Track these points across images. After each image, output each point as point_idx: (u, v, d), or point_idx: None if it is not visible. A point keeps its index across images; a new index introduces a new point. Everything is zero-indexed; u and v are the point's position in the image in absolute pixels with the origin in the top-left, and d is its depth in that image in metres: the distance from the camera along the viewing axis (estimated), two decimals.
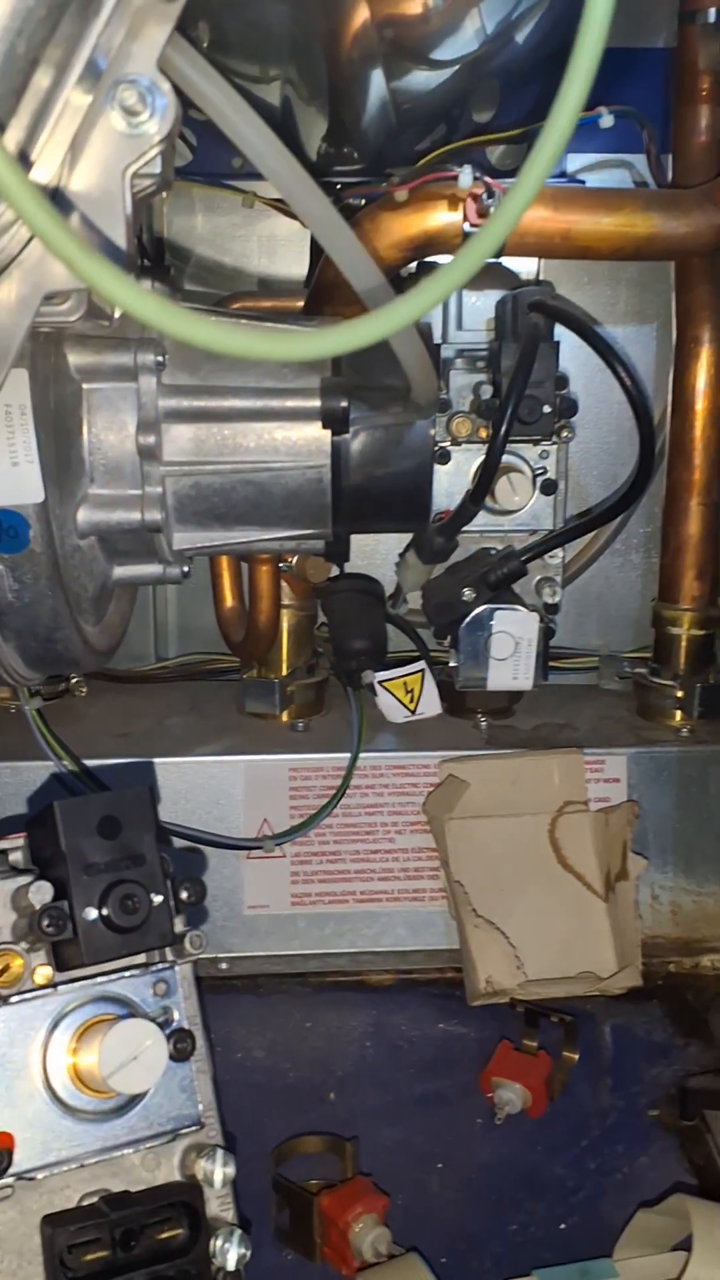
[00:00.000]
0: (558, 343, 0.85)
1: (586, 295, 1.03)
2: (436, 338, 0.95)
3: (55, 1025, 0.51)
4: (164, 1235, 0.49)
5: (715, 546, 0.97)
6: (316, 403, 0.71)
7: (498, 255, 0.83)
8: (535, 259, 0.96)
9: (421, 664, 0.91)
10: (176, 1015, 0.53)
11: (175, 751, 0.91)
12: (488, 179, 0.78)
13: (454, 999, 0.87)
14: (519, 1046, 0.79)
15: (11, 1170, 0.49)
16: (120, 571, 0.76)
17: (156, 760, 0.89)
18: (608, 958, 0.88)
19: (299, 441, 0.72)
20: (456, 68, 0.76)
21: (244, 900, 0.89)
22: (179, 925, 0.53)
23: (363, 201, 0.84)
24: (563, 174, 1.00)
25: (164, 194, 0.64)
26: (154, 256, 0.96)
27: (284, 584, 0.91)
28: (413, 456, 0.74)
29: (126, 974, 0.53)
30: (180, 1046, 0.51)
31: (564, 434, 0.87)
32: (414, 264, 0.86)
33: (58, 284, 0.45)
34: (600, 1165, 0.73)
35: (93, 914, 0.50)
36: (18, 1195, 0.49)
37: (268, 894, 0.91)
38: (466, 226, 0.79)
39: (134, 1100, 0.52)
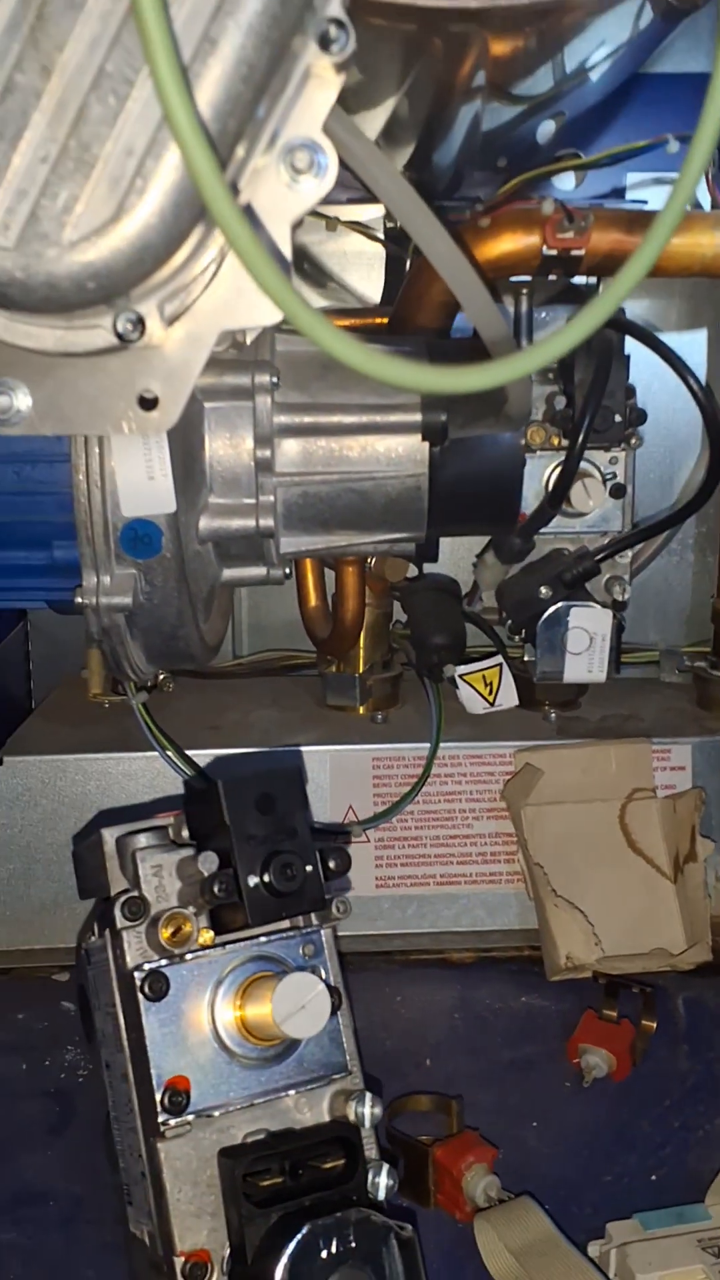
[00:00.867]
0: (628, 356, 0.92)
1: (642, 306, 1.09)
2: None
3: (219, 982, 0.58)
4: (326, 1166, 0.55)
5: None
6: (417, 417, 0.78)
7: (573, 274, 0.89)
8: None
9: (499, 658, 0.97)
10: (324, 973, 0.59)
11: (265, 742, 0.97)
12: (566, 205, 0.84)
13: (532, 975, 0.94)
14: (601, 1016, 0.85)
15: (189, 1109, 0.55)
16: (229, 573, 0.83)
17: (247, 750, 0.96)
18: (678, 935, 0.94)
19: (400, 452, 0.78)
20: (532, 103, 0.83)
21: None
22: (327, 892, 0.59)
23: None
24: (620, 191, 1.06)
25: None
26: None
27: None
28: (504, 465, 0.81)
29: (279, 936, 0.59)
30: (330, 1001, 0.57)
31: (633, 441, 0.94)
32: None
33: (235, 324, 0.52)
34: (684, 1123, 0.79)
35: (254, 880, 0.57)
36: (193, 1133, 0.56)
37: (353, 877, 0.97)
38: (545, 250, 0.85)
39: (290, 1049, 0.58)
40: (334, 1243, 0.51)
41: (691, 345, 1.10)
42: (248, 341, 0.61)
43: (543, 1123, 0.79)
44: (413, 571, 0.98)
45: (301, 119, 0.49)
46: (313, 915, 0.60)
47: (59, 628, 1.18)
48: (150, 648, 0.77)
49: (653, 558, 1.12)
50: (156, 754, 0.94)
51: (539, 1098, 0.81)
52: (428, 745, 0.96)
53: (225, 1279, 0.55)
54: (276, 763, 0.66)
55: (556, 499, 0.89)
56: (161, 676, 1.09)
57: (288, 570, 0.84)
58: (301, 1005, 0.54)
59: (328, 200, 1.00)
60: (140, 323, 0.49)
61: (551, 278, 0.88)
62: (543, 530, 0.93)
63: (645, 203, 1.02)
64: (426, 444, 0.78)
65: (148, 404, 0.53)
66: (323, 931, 0.60)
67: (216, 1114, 0.56)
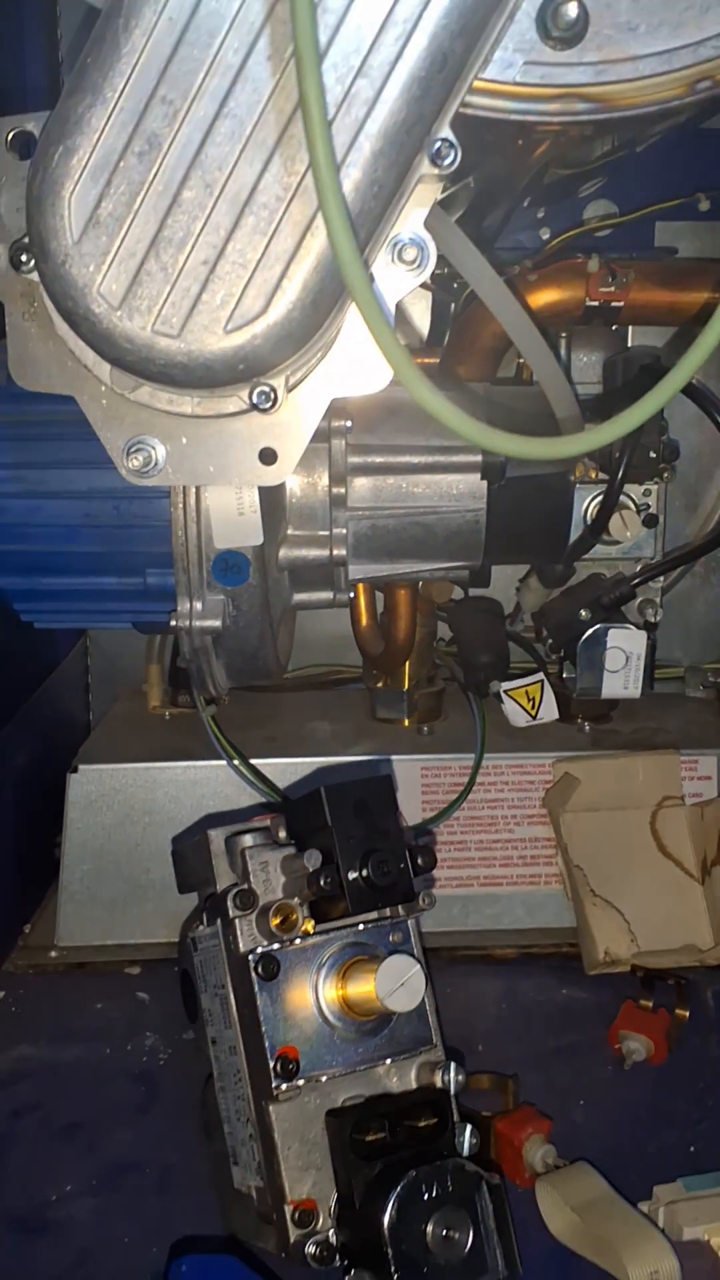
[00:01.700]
0: None
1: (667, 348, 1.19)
2: None
3: (320, 965, 0.67)
4: (420, 1125, 0.64)
5: None
6: (478, 457, 0.87)
7: (612, 323, 0.98)
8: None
9: (541, 674, 1.06)
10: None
11: (321, 752, 1.06)
12: (609, 263, 0.93)
13: (571, 969, 1.02)
14: (639, 1005, 0.94)
15: (299, 1075, 0.64)
16: (300, 597, 0.92)
17: (303, 760, 1.05)
18: (705, 933, 1.03)
19: (461, 489, 0.87)
20: (583, 169, 0.92)
21: None
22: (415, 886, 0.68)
23: None
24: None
25: None
26: None
27: None
28: (555, 500, 0.90)
29: (372, 925, 0.68)
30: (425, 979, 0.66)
31: (665, 475, 1.03)
32: None
33: (344, 392, 0.61)
34: (717, 1102, 0.88)
35: (354, 875, 0.66)
36: (300, 1096, 0.65)
37: None
38: (588, 301, 0.95)
39: (383, 1024, 0.67)
40: (434, 1187, 0.60)
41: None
42: None
43: (589, 1101, 0.87)
44: (458, 594, 1.07)
45: (410, 217, 0.58)
46: (400, 906, 0.69)
47: (116, 645, 1.27)
48: (232, 666, 0.86)
49: (677, 580, 1.22)
50: (220, 763, 1.03)
51: (584, 1079, 0.89)
52: (472, 756, 1.05)
53: (331, 1223, 0.64)
54: (371, 772, 0.75)
55: (597, 529, 0.98)
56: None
57: (351, 594, 0.93)
58: (401, 983, 0.63)
59: None
60: (272, 394, 0.58)
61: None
62: (583, 557, 1.02)
63: (676, 250, 1.11)
64: (485, 482, 0.87)
65: (267, 459, 0.62)
66: (410, 921, 0.69)
67: (323, 1079, 0.65)
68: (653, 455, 1.00)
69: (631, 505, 1.03)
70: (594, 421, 0.81)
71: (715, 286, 0.97)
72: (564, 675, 1.06)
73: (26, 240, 0.56)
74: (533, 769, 1.07)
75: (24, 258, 0.57)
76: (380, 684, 1.13)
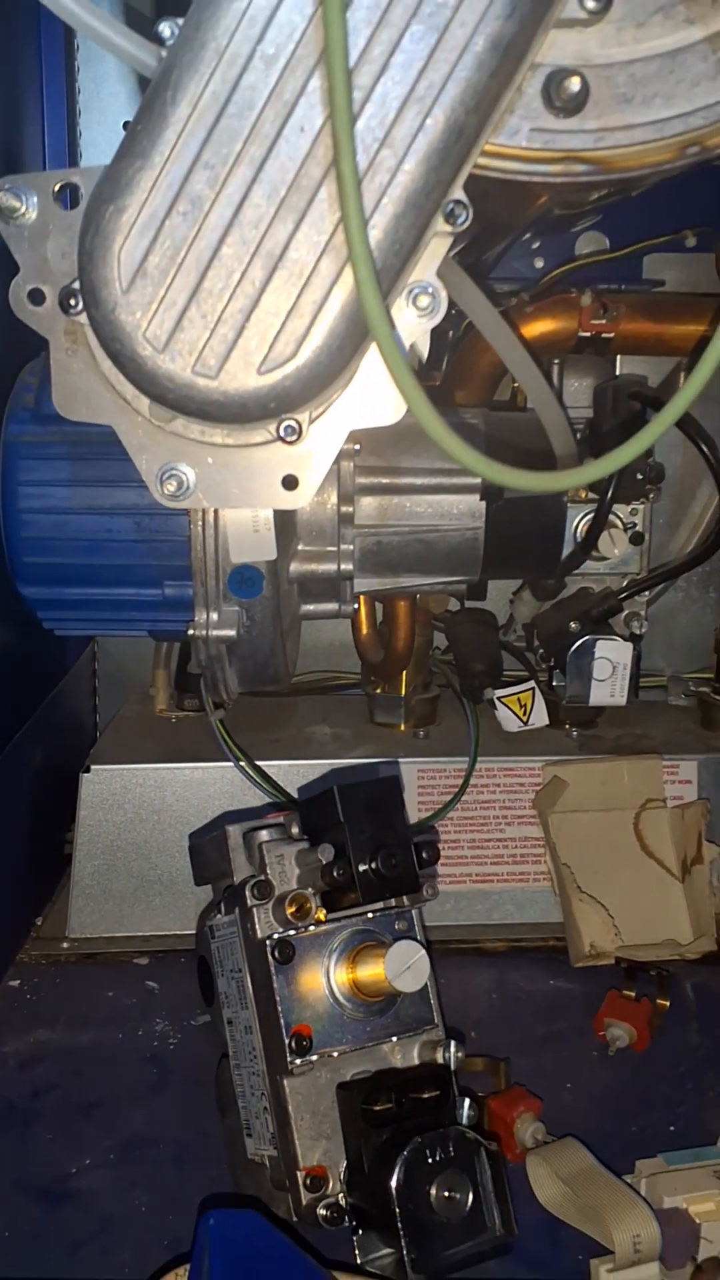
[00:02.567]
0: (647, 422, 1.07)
1: (656, 377, 1.25)
2: None
3: (332, 951, 0.73)
4: (424, 1096, 0.70)
5: None
6: (477, 480, 0.93)
7: (602, 353, 1.05)
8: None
9: (532, 682, 1.12)
10: None
11: (323, 755, 1.12)
12: (601, 297, 1.00)
13: (558, 962, 1.08)
14: (623, 995, 1.00)
15: (312, 1051, 0.70)
16: (308, 607, 0.98)
17: (305, 762, 1.11)
18: (685, 928, 1.10)
19: (461, 509, 0.94)
20: (580, 209, 0.99)
21: None
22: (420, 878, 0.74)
23: None
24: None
25: None
26: None
27: None
28: (549, 521, 0.96)
29: (379, 914, 0.74)
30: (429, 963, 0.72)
31: (651, 495, 1.09)
32: None
33: (361, 424, 0.67)
34: (696, 1086, 0.94)
35: (365, 867, 0.72)
36: (313, 1072, 0.71)
37: None
38: (581, 332, 1.01)
39: (389, 1005, 0.73)
40: (437, 1152, 0.66)
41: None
42: None
43: (575, 1084, 0.93)
44: (454, 605, 1.14)
45: (424, 267, 0.65)
46: (406, 896, 0.75)
47: (123, 651, 1.32)
48: (244, 673, 0.92)
49: (661, 594, 1.29)
50: (226, 764, 1.09)
51: (571, 1064, 0.96)
52: (466, 759, 1.12)
53: (341, 1187, 0.69)
54: (378, 774, 0.81)
55: (587, 547, 1.05)
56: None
57: (355, 605, 0.99)
58: (408, 965, 0.69)
59: None
60: (297, 427, 0.64)
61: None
62: (573, 572, 1.08)
63: (663, 282, 1.18)
64: (484, 502, 0.93)
65: (290, 485, 0.68)
66: (414, 911, 0.75)
67: (334, 1055, 0.71)
68: (639, 477, 1.07)
69: (619, 524, 1.09)
70: (586, 454, 0.88)
71: (698, 320, 1.03)
72: (554, 683, 1.13)
73: (76, 286, 0.62)
74: (523, 772, 1.13)
75: (73, 301, 0.62)
76: (379, 690, 1.19)
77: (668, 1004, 1.01)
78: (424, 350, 0.71)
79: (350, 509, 0.91)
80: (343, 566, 0.92)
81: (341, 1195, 0.70)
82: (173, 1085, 0.92)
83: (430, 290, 0.64)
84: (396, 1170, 0.65)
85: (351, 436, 0.90)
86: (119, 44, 0.63)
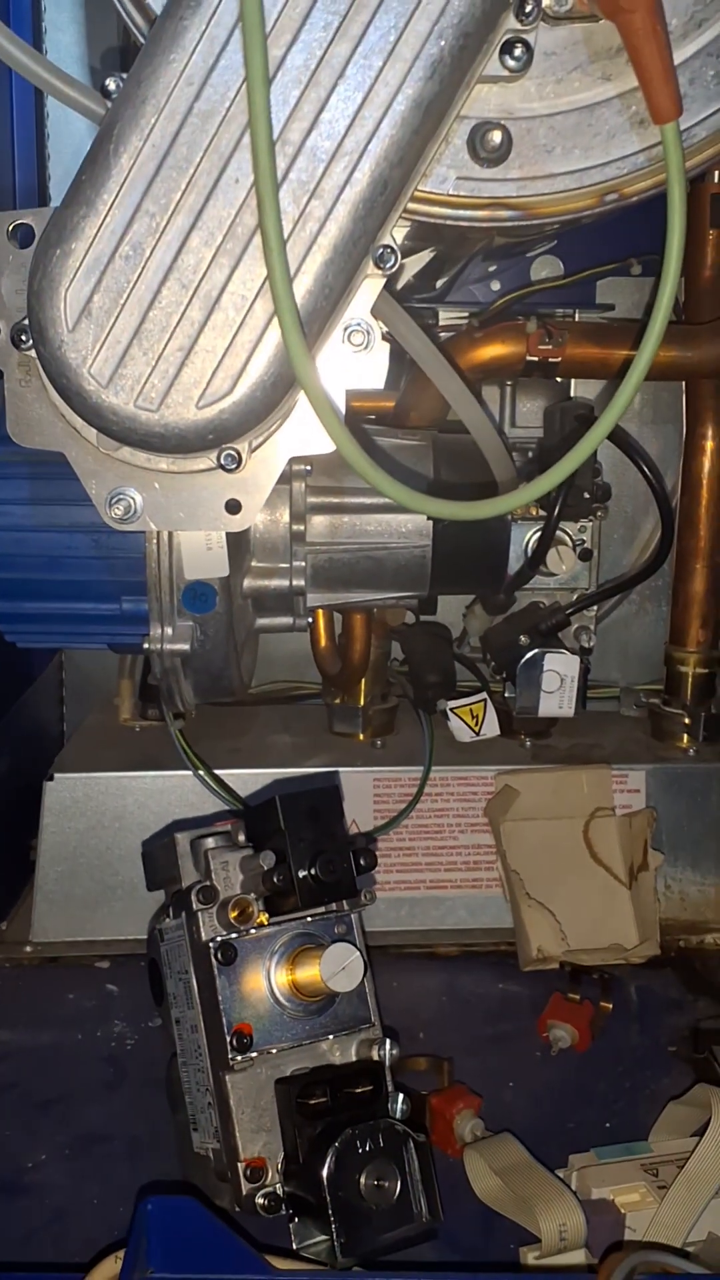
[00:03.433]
0: None
1: (606, 396, 1.30)
2: None
3: (273, 953, 0.77)
4: (357, 1091, 0.74)
5: (717, 600, 1.24)
6: None
7: (550, 376, 1.10)
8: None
9: (484, 694, 1.17)
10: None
11: (282, 764, 1.16)
12: (547, 324, 1.04)
13: (508, 966, 1.13)
14: (566, 998, 1.05)
15: (252, 1049, 0.74)
16: (262, 621, 1.02)
17: (264, 771, 1.15)
18: (631, 933, 1.14)
19: (409, 527, 0.98)
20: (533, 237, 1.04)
21: None
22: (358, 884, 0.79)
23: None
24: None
25: None
26: None
27: None
28: (493, 538, 1.01)
29: (319, 917, 0.79)
30: (364, 965, 0.76)
31: (599, 513, 1.14)
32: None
33: (300, 452, 0.71)
34: (633, 1085, 0.98)
35: (304, 873, 0.76)
36: (253, 1068, 0.75)
37: None
38: (528, 357, 1.06)
39: (328, 1005, 0.78)
40: (367, 1143, 0.70)
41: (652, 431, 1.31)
42: None
43: (518, 1083, 0.98)
44: (410, 618, 1.18)
45: (357, 306, 0.69)
46: (345, 901, 0.79)
47: (89, 661, 1.37)
48: (199, 685, 0.97)
49: (614, 608, 1.34)
50: (186, 773, 1.13)
51: (514, 1064, 1.00)
52: (421, 769, 1.16)
53: (279, 1178, 0.74)
54: (322, 783, 0.85)
55: (535, 562, 1.09)
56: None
57: (310, 619, 1.03)
58: (343, 967, 0.73)
59: None
60: (237, 456, 0.69)
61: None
62: (522, 587, 1.13)
63: (613, 307, 1.23)
64: (431, 521, 0.98)
65: (233, 509, 0.73)
66: (353, 915, 0.80)
67: (273, 1051, 0.75)
68: (587, 496, 1.12)
69: (568, 541, 1.14)
70: (537, 472, 0.92)
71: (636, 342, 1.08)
72: (506, 695, 1.17)
73: (26, 323, 0.66)
74: (476, 781, 1.18)
75: (24, 337, 0.67)
76: (337, 700, 1.23)
77: (610, 1006, 1.05)
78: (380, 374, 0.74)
79: (302, 527, 0.96)
80: (295, 582, 0.97)
81: (279, 1185, 0.74)
82: (128, 1084, 0.96)
83: (364, 327, 0.69)
84: (328, 1159, 0.69)
85: (303, 458, 0.95)
86: (70, 95, 0.67)
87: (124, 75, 0.64)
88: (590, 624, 1.18)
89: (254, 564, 0.97)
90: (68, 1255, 0.78)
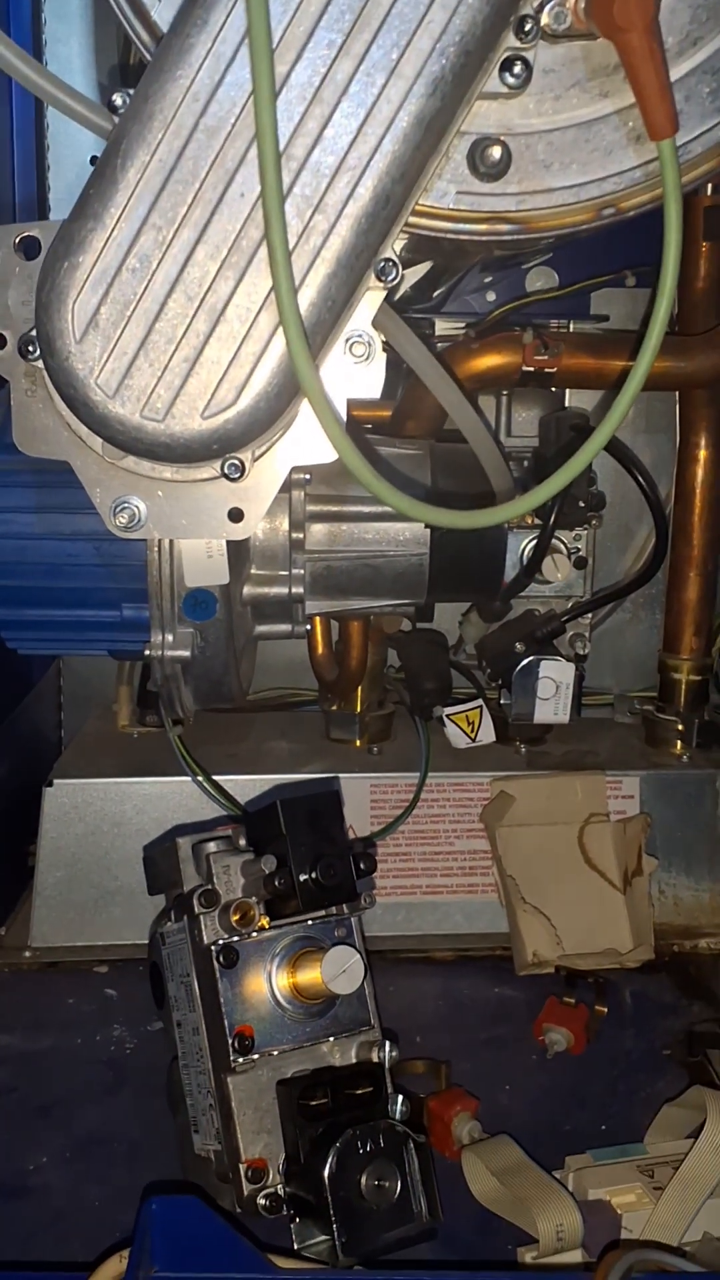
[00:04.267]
0: None
1: (605, 409, 1.32)
2: None
3: (274, 956, 0.78)
4: (358, 1093, 0.75)
5: (710, 608, 1.25)
6: None
7: (546, 386, 1.11)
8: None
9: (480, 701, 1.18)
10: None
11: (279, 770, 1.17)
12: (543, 334, 1.06)
13: (504, 970, 1.14)
14: (562, 1001, 1.06)
15: (254, 1050, 0.75)
16: (261, 629, 1.03)
17: (262, 777, 1.16)
18: (626, 938, 1.15)
19: (407, 535, 0.99)
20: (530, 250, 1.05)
21: None
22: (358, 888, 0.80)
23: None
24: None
25: None
26: None
27: None
28: (490, 546, 1.02)
29: (319, 921, 0.80)
30: (364, 967, 0.77)
31: (593, 522, 1.15)
32: None
33: (302, 461, 0.72)
34: (628, 1088, 0.99)
35: (305, 877, 0.77)
36: (255, 1070, 0.76)
37: None
38: (524, 368, 1.07)
39: (328, 1008, 0.78)
40: (368, 1144, 0.71)
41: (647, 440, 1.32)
42: None
43: (514, 1086, 0.99)
44: (407, 625, 1.19)
45: (359, 318, 0.70)
46: (345, 905, 0.80)
47: (88, 668, 1.37)
48: (199, 691, 0.98)
49: (608, 615, 1.35)
50: (185, 779, 1.14)
51: (510, 1067, 1.01)
52: (418, 775, 1.17)
53: (280, 1179, 0.75)
54: (322, 788, 0.86)
55: (530, 570, 1.10)
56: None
57: (308, 626, 1.04)
58: (344, 969, 0.74)
59: None
60: (240, 465, 0.70)
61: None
62: (518, 595, 1.14)
63: (607, 318, 1.24)
64: (428, 530, 0.99)
65: (235, 518, 0.74)
66: (353, 918, 0.81)
67: (274, 1053, 0.76)
68: (582, 504, 1.13)
69: (563, 549, 1.15)
70: (533, 481, 0.93)
71: (631, 353, 1.09)
72: (502, 702, 1.18)
73: (33, 333, 0.67)
74: (472, 787, 1.19)
75: (30, 348, 0.68)
76: (334, 707, 1.24)
77: (605, 1010, 1.06)
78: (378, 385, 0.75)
79: (301, 535, 0.97)
80: (294, 590, 0.98)
81: (280, 1186, 0.75)
82: (128, 1087, 0.97)
83: (365, 339, 0.70)
84: (329, 1160, 0.70)
85: (302, 466, 0.96)
86: (77, 110, 0.68)
87: (130, 91, 0.65)
88: (585, 631, 1.19)
89: (253, 571, 0.98)
90: (69, 1256, 0.78)
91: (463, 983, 1.13)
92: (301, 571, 0.98)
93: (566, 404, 1.25)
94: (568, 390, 1.23)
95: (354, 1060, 0.79)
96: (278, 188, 0.60)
